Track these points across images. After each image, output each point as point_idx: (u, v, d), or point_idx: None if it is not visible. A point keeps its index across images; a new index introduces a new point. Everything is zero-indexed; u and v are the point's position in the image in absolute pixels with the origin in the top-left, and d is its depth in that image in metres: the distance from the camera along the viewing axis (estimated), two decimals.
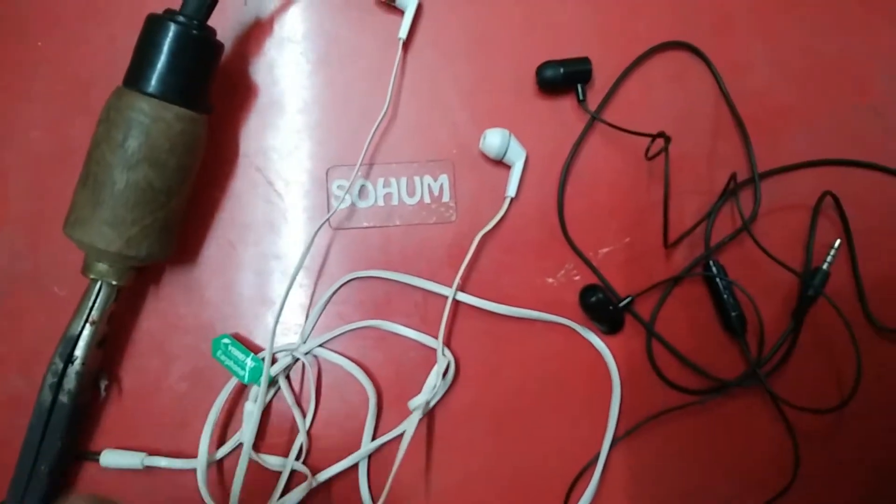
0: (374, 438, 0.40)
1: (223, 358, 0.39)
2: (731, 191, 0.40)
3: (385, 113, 0.40)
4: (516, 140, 0.40)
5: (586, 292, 0.40)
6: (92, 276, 0.37)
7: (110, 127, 0.35)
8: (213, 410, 0.40)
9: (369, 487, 0.39)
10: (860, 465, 0.39)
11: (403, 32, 0.41)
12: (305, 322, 0.41)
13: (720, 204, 0.40)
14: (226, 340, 0.39)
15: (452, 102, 0.42)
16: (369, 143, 0.40)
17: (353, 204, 0.41)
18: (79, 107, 0.42)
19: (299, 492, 0.39)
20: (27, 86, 0.42)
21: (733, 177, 0.39)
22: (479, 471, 0.40)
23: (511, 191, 0.40)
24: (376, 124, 0.40)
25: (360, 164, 0.40)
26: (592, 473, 0.39)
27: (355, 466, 0.40)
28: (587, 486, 0.39)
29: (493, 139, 0.39)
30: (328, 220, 0.40)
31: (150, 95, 0.35)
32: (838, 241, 0.40)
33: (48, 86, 0.42)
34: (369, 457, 0.40)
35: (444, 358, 0.39)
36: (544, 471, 0.40)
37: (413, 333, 0.40)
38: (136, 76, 0.36)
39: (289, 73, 0.42)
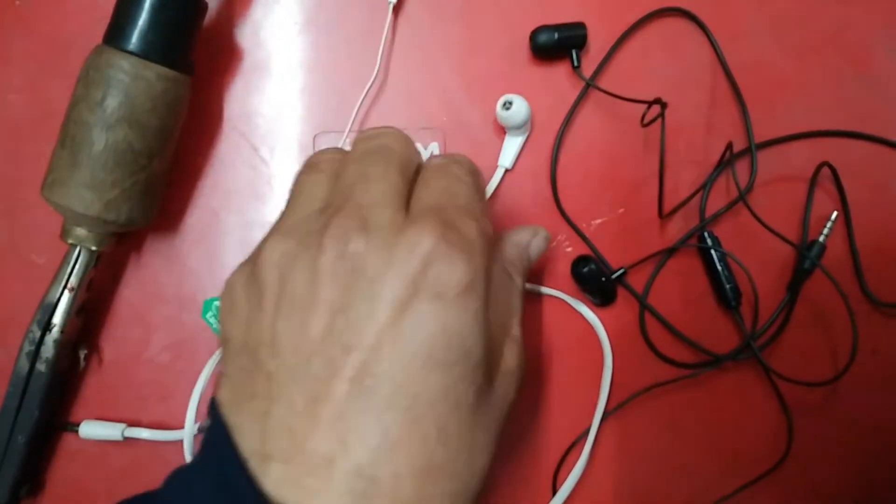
0: None
1: (212, 320, 0.38)
2: (727, 161, 0.39)
3: (374, 80, 0.39)
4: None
5: (578, 263, 0.39)
6: (70, 242, 0.36)
7: (89, 85, 0.34)
8: (200, 380, 0.38)
9: None
10: (854, 440, 0.39)
11: None
12: None
13: (716, 174, 0.39)
14: (217, 303, 0.38)
15: (443, 68, 0.41)
16: (357, 110, 0.39)
17: None
18: (57, 69, 0.40)
19: None
20: (3, 47, 0.41)
21: (729, 146, 0.38)
22: None
23: (507, 161, 0.39)
24: (364, 91, 0.39)
25: (349, 132, 0.39)
26: (582, 448, 0.39)
27: None
28: (577, 460, 0.38)
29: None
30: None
31: (131, 53, 0.34)
32: (835, 213, 0.39)
33: (25, 47, 0.41)
34: None
35: None
36: (534, 444, 0.39)
37: None
38: (116, 34, 0.35)
39: (275, 35, 0.41)
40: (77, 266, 0.36)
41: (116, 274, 0.40)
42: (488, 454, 0.26)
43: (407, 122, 0.40)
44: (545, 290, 0.39)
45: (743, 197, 0.38)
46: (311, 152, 0.40)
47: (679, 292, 0.39)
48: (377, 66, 0.39)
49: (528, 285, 0.39)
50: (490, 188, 0.39)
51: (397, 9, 0.41)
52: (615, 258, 0.39)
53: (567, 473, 0.39)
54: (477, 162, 0.39)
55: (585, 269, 0.38)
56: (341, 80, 0.40)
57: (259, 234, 0.38)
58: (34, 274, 0.39)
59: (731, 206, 0.39)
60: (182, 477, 0.25)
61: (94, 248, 0.36)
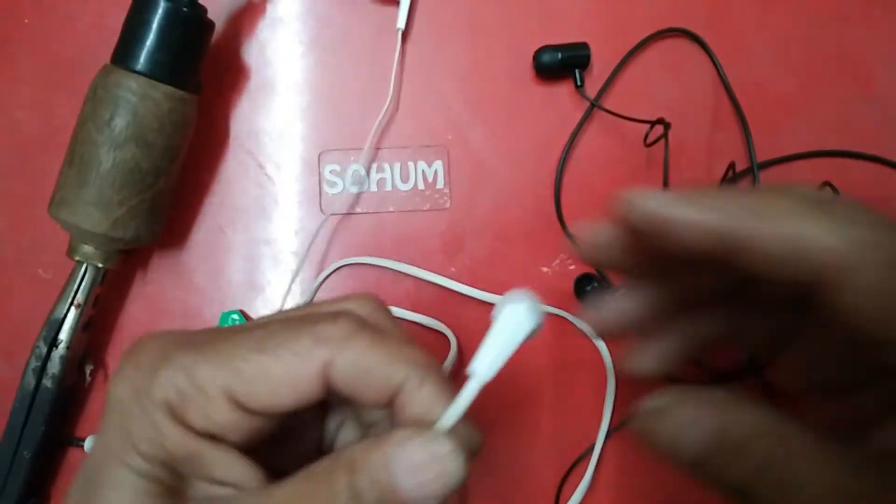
0: None
1: None
2: (729, 180, 0.39)
3: (387, 106, 0.40)
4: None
5: (581, 281, 0.39)
6: (77, 259, 0.36)
7: (97, 105, 0.34)
8: None
9: None
10: None
11: (401, 22, 0.40)
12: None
13: None
14: (235, 316, 0.39)
15: (448, 87, 0.41)
16: (373, 135, 0.40)
17: (345, 189, 0.41)
18: (65, 87, 0.41)
19: None
20: (12, 65, 0.41)
21: (731, 166, 0.38)
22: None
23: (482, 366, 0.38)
24: (379, 117, 0.39)
25: (364, 151, 0.39)
26: (584, 466, 0.39)
27: None
28: (580, 479, 0.38)
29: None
30: (319, 205, 0.39)
31: (139, 73, 0.34)
32: None
33: (34, 64, 0.41)
34: None
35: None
36: (536, 462, 0.39)
37: (408, 314, 0.39)
38: (124, 53, 0.35)
39: (281, 54, 0.41)
40: (84, 283, 0.36)
41: (123, 290, 0.40)
42: None
43: (412, 140, 0.41)
44: (549, 308, 0.39)
45: None
46: (316, 170, 0.40)
47: None
48: (390, 92, 0.40)
49: None
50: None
51: (404, 31, 0.41)
52: (618, 276, 0.40)
53: (570, 492, 0.39)
54: (480, 181, 0.39)
55: (588, 288, 0.39)
56: (347, 99, 0.41)
57: (265, 251, 0.38)
58: (41, 289, 0.39)
59: None
60: None
61: (100, 265, 0.36)
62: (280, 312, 0.26)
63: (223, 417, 0.22)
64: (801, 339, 0.25)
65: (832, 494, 0.20)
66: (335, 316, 0.23)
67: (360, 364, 0.22)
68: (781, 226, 0.20)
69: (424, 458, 0.21)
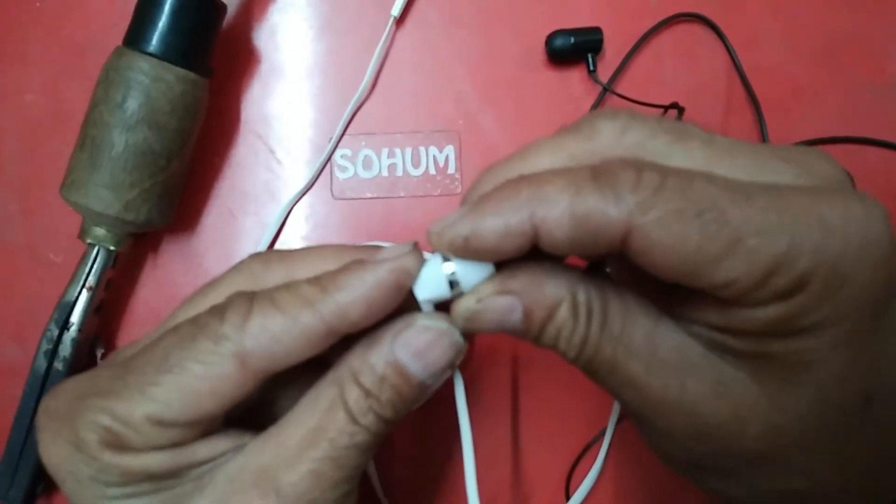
0: None
1: None
2: None
3: (363, 90, 0.40)
4: None
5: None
6: (89, 241, 0.36)
7: (109, 87, 0.34)
8: None
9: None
10: None
11: (396, 10, 0.40)
12: None
13: None
14: None
15: (459, 73, 0.41)
16: (347, 120, 0.39)
17: (356, 174, 0.40)
18: (76, 70, 0.41)
19: None
20: (22, 48, 0.41)
21: None
22: (480, 447, 0.39)
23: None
24: (353, 100, 0.39)
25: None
26: (594, 452, 0.39)
27: None
28: (591, 465, 0.38)
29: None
30: (330, 190, 0.39)
31: (151, 55, 0.34)
32: None
33: (44, 47, 0.41)
34: None
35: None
36: (549, 446, 0.39)
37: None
38: (136, 36, 0.35)
39: (292, 38, 0.41)
40: (95, 266, 0.36)
41: (134, 274, 0.40)
42: None
43: (423, 126, 0.41)
44: None
45: None
46: (327, 155, 0.40)
47: None
48: (367, 75, 0.40)
49: None
50: None
51: (413, 14, 0.41)
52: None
53: (581, 477, 0.39)
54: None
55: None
56: (358, 84, 0.41)
57: (275, 236, 0.38)
58: (52, 273, 0.39)
59: None
60: None
61: (112, 247, 0.36)
62: (169, 319, 0.26)
63: (161, 437, 0.22)
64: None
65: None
66: (221, 310, 0.23)
67: (271, 341, 0.22)
68: (563, 206, 0.20)
69: (427, 339, 0.23)
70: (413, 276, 0.23)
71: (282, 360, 0.22)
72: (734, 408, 0.21)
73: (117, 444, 0.22)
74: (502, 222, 0.20)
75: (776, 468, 0.22)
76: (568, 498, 0.38)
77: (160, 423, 0.22)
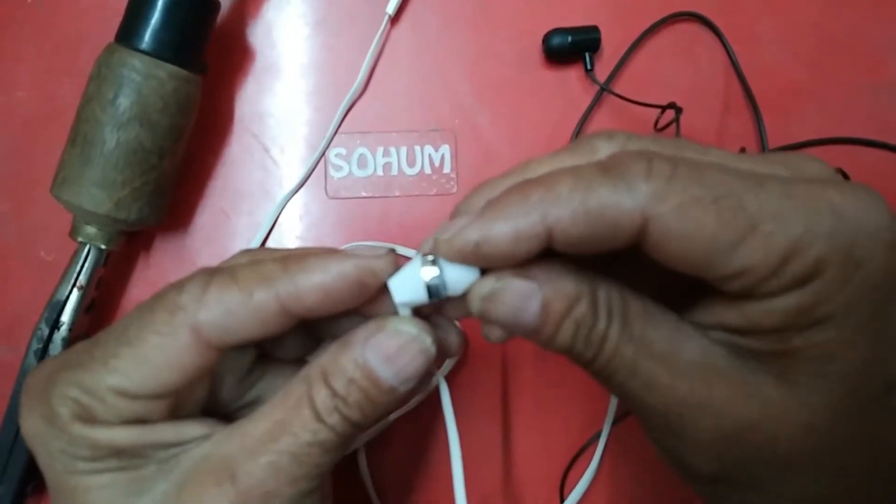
0: None
1: None
2: None
3: (358, 88, 0.40)
4: None
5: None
6: (80, 240, 0.36)
7: (101, 84, 0.34)
8: None
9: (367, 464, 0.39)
10: None
11: (391, 8, 0.40)
12: None
13: None
14: None
15: (455, 72, 0.41)
16: (341, 118, 0.39)
17: (350, 173, 0.40)
18: (67, 67, 0.40)
19: None
20: (14, 45, 0.41)
21: (742, 152, 0.38)
22: (475, 448, 0.39)
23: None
24: (348, 98, 0.39)
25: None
26: (589, 454, 0.38)
27: None
28: (586, 467, 0.38)
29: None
30: (325, 189, 0.39)
31: (143, 52, 0.34)
32: None
33: (36, 44, 0.40)
34: None
35: None
36: (543, 449, 0.39)
37: None
38: (128, 32, 0.35)
39: (287, 36, 0.41)
40: (86, 264, 0.36)
41: (125, 273, 0.40)
42: None
43: (419, 125, 0.40)
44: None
45: None
46: (321, 154, 0.40)
47: None
48: (361, 73, 0.39)
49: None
50: None
51: (408, 12, 0.40)
52: None
53: (575, 480, 0.38)
54: (486, 165, 0.38)
55: None
56: (353, 82, 0.40)
57: (268, 235, 0.38)
58: (43, 271, 0.39)
59: None
60: None
61: (103, 246, 0.36)
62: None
63: (128, 409, 0.22)
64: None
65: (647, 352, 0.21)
66: (182, 283, 0.23)
67: (225, 314, 0.22)
68: (576, 203, 0.19)
69: (397, 344, 0.23)
70: (379, 278, 0.22)
71: (237, 334, 0.22)
72: (765, 407, 0.20)
73: (86, 416, 0.22)
74: (514, 226, 0.20)
75: (805, 472, 0.21)
76: (562, 501, 0.38)
77: (124, 394, 0.22)
